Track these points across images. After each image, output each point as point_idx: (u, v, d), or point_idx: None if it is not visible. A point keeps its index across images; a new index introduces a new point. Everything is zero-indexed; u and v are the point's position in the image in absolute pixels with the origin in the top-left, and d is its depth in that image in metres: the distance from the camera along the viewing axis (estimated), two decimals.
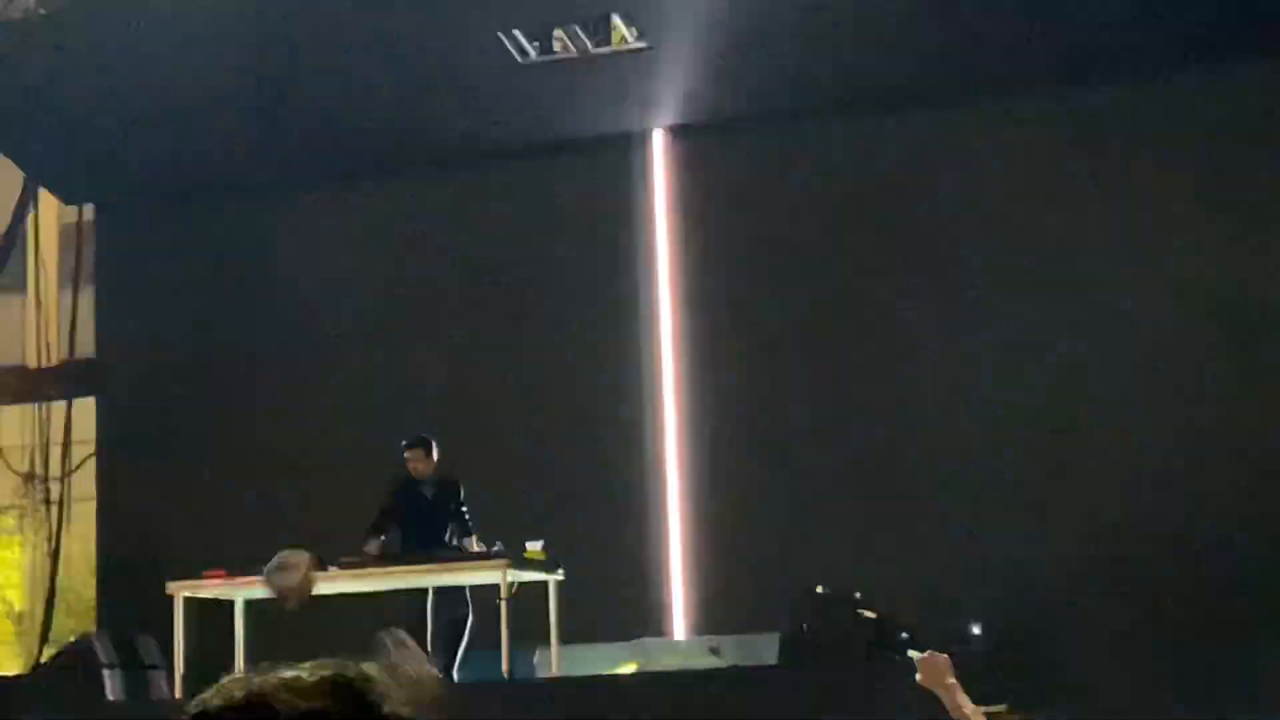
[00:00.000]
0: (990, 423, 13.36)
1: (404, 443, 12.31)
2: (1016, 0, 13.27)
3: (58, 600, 17.96)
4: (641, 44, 13.87)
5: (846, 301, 14.19)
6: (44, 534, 18.16)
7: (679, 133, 14.70)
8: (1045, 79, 13.77)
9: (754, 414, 14.54)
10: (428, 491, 12.29)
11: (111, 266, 16.89)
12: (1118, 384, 13.29)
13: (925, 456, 13.74)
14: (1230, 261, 13.03)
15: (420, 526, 12.21)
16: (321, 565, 11.07)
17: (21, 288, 18.37)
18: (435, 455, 12.34)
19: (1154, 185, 13.28)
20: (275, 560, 10.90)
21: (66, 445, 17.42)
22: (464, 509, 12.14)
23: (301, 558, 10.87)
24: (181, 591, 12.38)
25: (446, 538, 12.12)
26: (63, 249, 18.70)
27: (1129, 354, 13.04)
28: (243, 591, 12.29)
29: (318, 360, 15.30)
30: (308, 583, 10.90)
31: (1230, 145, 13.42)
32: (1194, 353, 13.01)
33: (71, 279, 17.43)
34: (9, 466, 18.68)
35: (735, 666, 12.15)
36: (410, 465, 12.27)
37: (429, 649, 11.71)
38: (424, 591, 11.86)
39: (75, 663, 14.15)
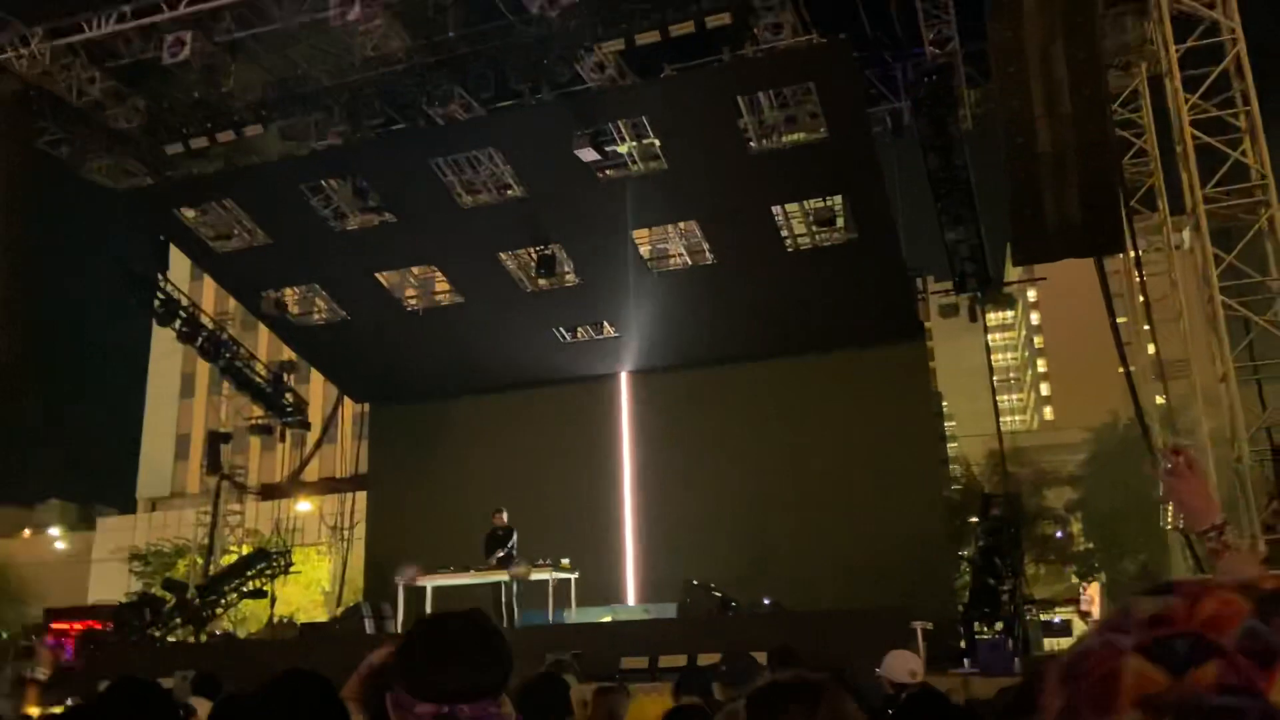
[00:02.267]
0: (775, 503, 19.51)
1: (495, 509, 17.91)
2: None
3: (345, 586, 25.76)
4: (616, 335, 20.72)
5: (712, 444, 20.60)
6: (340, 554, 26.11)
7: (633, 374, 21.68)
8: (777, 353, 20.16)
9: (665, 503, 20.92)
10: (500, 532, 17.71)
11: (376, 430, 23.97)
12: (813, 484, 19.36)
13: (746, 521, 19.70)
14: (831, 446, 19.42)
15: (494, 549, 17.50)
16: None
17: (335, 440, 27.85)
18: (504, 515, 17.86)
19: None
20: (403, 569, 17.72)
21: (352, 513, 24.84)
22: (512, 543, 17.48)
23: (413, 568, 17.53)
24: (400, 582, 17.99)
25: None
26: (356, 424, 25.70)
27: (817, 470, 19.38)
28: (428, 582, 17.88)
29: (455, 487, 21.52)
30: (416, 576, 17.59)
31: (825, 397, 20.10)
32: (831, 470, 19.24)
33: (356, 436, 24.84)
34: (325, 523, 27.61)
35: (655, 618, 17.77)
36: (495, 518, 17.81)
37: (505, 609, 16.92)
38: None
39: (351, 615, 20.16)
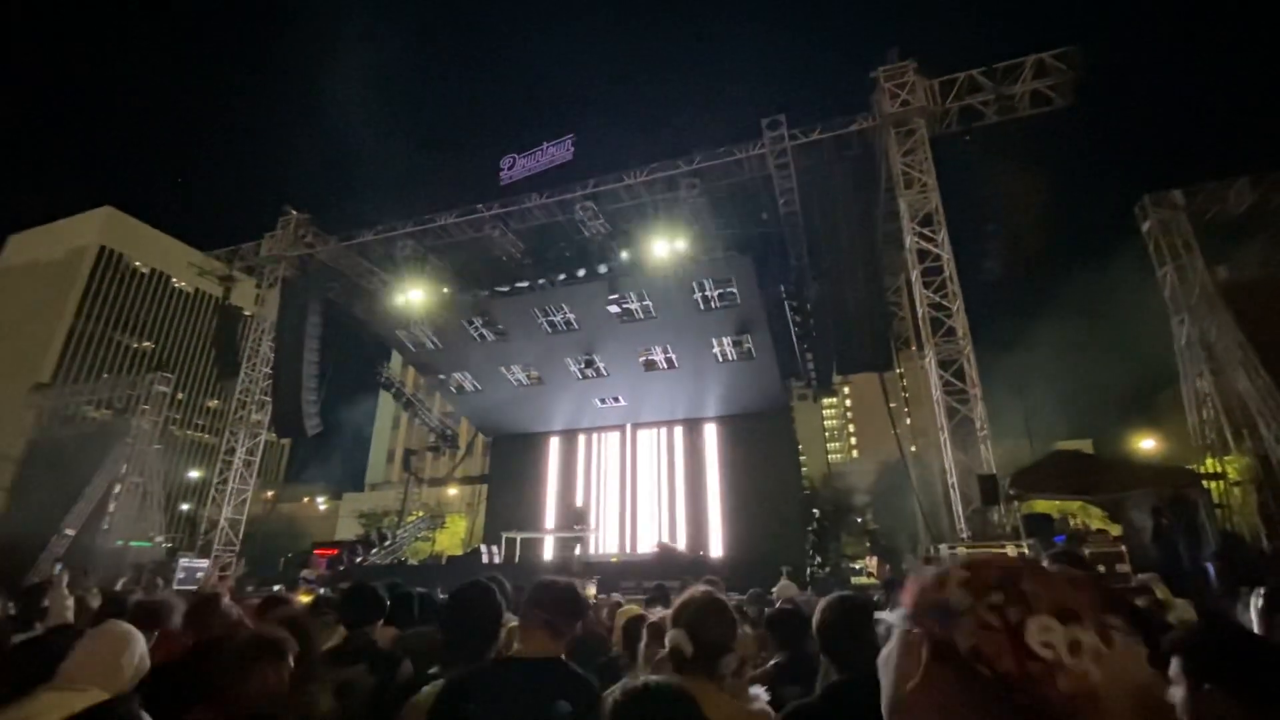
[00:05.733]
0: (709, 497, 19.36)
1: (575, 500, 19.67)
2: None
3: (472, 536, 24.46)
4: (626, 404, 20.28)
5: (675, 463, 20.25)
6: (470, 518, 26.03)
7: (634, 425, 21.18)
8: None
9: (649, 495, 20.14)
10: (581, 509, 18.95)
11: (494, 451, 23.18)
12: (730, 489, 19.04)
13: (691, 506, 19.09)
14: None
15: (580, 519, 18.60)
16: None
17: (473, 454, 27.42)
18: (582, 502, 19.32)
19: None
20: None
21: (478, 496, 24.52)
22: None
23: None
24: (503, 534, 18.66)
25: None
26: (484, 448, 25.50)
27: (732, 482, 19.06)
28: (518, 535, 18.46)
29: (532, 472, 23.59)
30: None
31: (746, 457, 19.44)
32: (740, 482, 18.74)
33: (484, 454, 24.71)
34: (463, 500, 26.96)
35: (640, 559, 16.93)
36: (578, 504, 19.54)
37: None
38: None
39: (474, 552, 19.08)
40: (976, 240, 12.57)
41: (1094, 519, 16.93)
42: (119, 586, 12.48)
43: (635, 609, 4.84)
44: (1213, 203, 13.91)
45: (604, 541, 19.29)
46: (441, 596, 3.62)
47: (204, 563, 16.29)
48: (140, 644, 2.00)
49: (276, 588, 12.08)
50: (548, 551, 19.94)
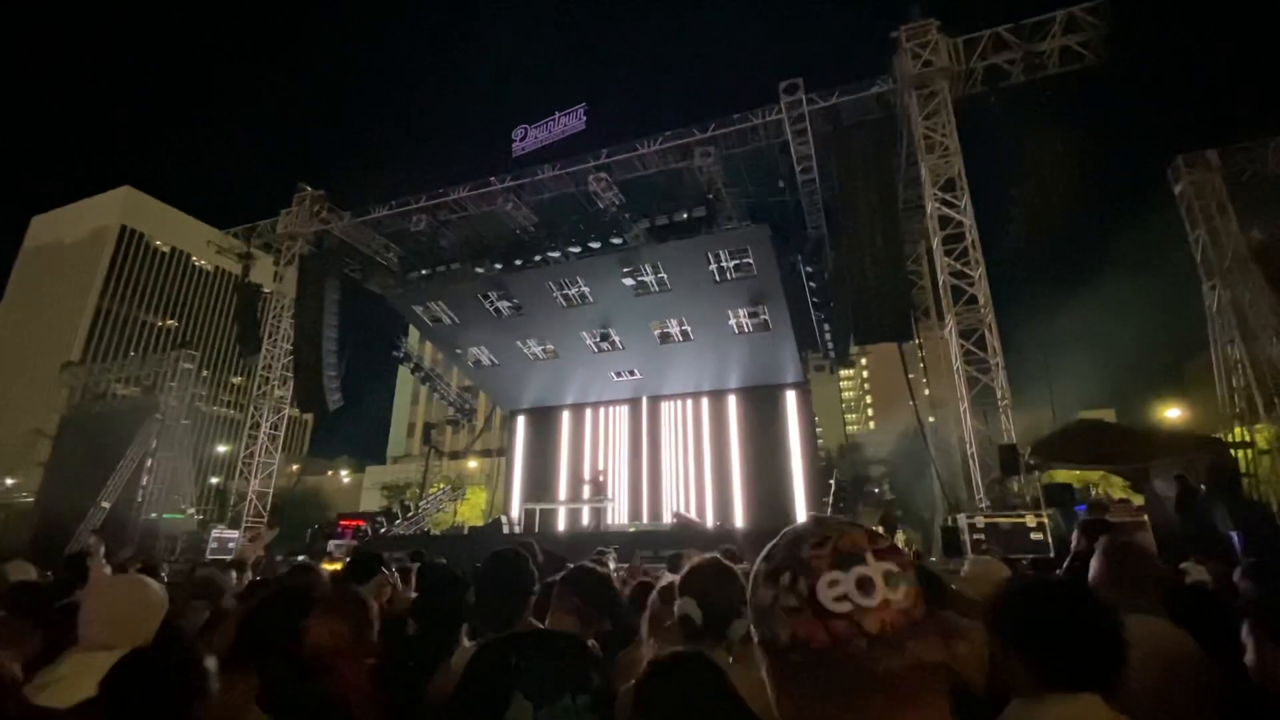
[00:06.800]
0: (727, 466, 19.33)
1: (598, 470, 19.69)
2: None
3: (492, 507, 25.27)
4: (640, 377, 20.17)
5: (691, 436, 20.71)
6: (489, 490, 25.81)
7: (649, 399, 21.09)
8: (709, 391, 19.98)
9: (665, 466, 20.25)
10: (601, 480, 19.44)
11: (511, 425, 23.28)
12: (748, 459, 19.19)
13: (708, 476, 19.05)
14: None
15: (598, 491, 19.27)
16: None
17: (491, 428, 27.73)
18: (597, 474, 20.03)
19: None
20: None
21: (497, 469, 24.64)
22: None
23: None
24: (525, 505, 19.42)
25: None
26: (502, 421, 25.86)
27: (750, 451, 19.18)
28: (537, 506, 18.94)
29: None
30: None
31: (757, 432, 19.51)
32: (759, 452, 18.85)
33: (502, 427, 25.28)
34: (483, 472, 27.27)
35: (657, 529, 17.33)
36: (597, 474, 19.84)
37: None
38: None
39: (494, 523, 19.74)
40: (1000, 206, 12.21)
41: (1115, 488, 16.79)
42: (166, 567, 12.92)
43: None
44: (1249, 163, 13.38)
45: (620, 513, 19.45)
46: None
47: (235, 534, 16.82)
48: (152, 588, 1.92)
49: (301, 557, 12.42)
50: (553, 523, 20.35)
